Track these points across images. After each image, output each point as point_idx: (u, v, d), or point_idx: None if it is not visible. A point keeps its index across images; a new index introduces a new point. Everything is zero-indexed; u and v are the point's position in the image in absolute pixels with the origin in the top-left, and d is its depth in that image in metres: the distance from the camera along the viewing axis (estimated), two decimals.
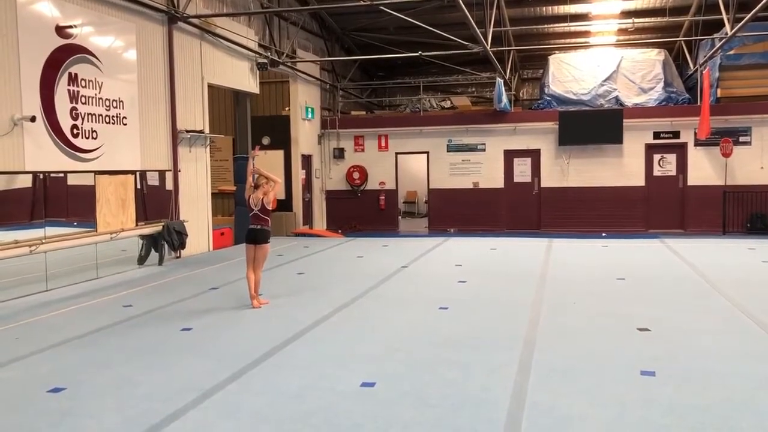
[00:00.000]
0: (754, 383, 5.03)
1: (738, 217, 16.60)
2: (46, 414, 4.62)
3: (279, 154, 17.85)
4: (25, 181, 9.05)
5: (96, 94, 10.30)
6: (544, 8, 18.64)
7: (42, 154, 9.23)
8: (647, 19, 18.22)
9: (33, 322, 7.44)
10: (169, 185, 12.25)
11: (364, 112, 21.70)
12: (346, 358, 5.83)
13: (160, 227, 11.57)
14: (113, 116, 10.71)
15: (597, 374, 5.29)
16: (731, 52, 16.58)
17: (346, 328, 7.03)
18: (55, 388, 5.13)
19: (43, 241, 8.98)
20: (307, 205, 18.72)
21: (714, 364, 5.55)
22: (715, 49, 15.95)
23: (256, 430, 4.29)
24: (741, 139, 16.85)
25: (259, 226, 8.20)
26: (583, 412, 4.48)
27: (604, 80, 18.05)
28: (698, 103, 16.85)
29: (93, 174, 10.19)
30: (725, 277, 9.79)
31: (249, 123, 16.04)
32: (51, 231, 9.24)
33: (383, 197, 19.29)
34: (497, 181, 18.51)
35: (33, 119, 8.95)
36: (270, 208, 8.25)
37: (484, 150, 18.52)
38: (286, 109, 18.28)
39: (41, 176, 9.25)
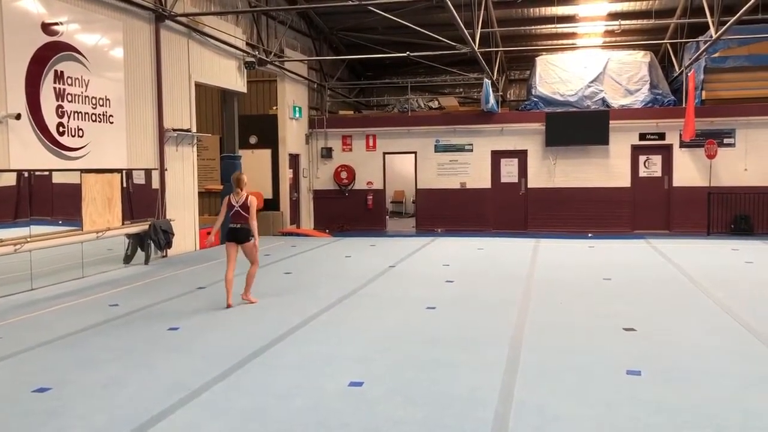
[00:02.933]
0: (739, 382, 5.09)
1: (722, 218, 16.76)
2: (32, 414, 4.58)
3: (266, 154, 17.83)
4: (10, 180, 8.95)
5: (82, 92, 10.23)
6: (531, 10, 18.71)
7: (27, 152, 9.15)
8: (634, 22, 18.35)
9: (18, 322, 7.37)
10: (156, 184, 12.19)
11: (351, 112, 21.69)
12: (334, 358, 5.83)
13: (147, 226, 11.50)
14: (100, 114, 10.63)
15: (583, 373, 5.32)
16: (716, 55, 16.74)
17: (333, 327, 7.03)
18: (40, 388, 5.08)
19: (28, 239, 8.90)
20: (295, 205, 18.68)
21: (699, 363, 5.61)
22: (700, 51, 16.09)
23: (245, 430, 4.28)
24: (725, 140, 17.02)
25: (239, 225, 8.14)
26: (570, 411, 4.51)
27: (591, 82, 18.15)
28: (683, 105, 17.01)
29: (79, 172, 10.11)
30: (710, 277, 9.89)
31: (236, 122, 15.98)
32: (36, 230, 9.16)
33: (371, 197, 19.29)
34: (484, 182, 18.56)
35: (18, 117, 8.87)
36: (249, 206, 8.11)
37: (471, 150, 18.58)
38: (274, 108, 18.23)
39: (26, 174, 9.16)
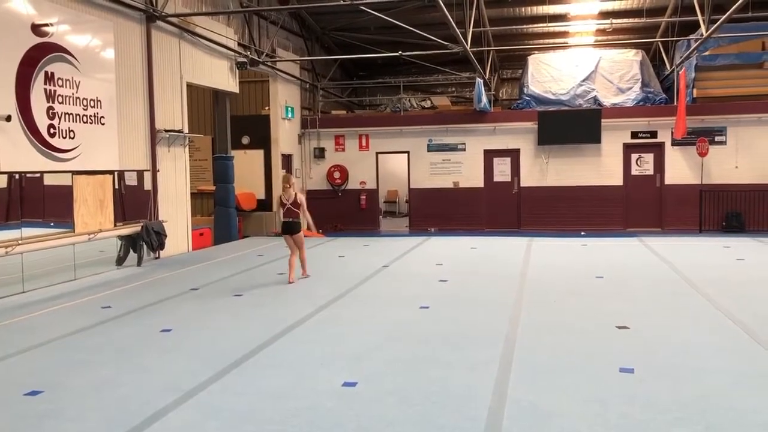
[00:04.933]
0: (730, 379, 5.11)
1: (714, 216, 16.84)
2: (24, 417, 4.56)
3: (259, 154, 17.80)
4: (1, 182, 8.90)
5: (73, 93, 10.18)
6: (523, 9, 18.75)
7: (18, 154, 9.09)
8: (625, 20, 18.41)
9: (9, 324, 7.33)
10: (148, 185, 12.15)
11: (344, 112, 21.68)
12: (328, 358, 5.83)
13: (139, 228, 11.46)
14: (91, 116, 10.59)
15: (577, 371, 5.34)
16: (707, 53, 16.81)
17: (327, 327, 7.02)
18: (32, 391, 5.06)
19: (20, 242, 8.85)
20: None
21: (691, 360, 5.63)
22: (690, 49, 16.16)
23: (238, 431, 4.27)
24: (717, 138, 17.09)
25: (291, 219, 9.84)
26: (563, 409, 4.52)
27: (583, 80, 18.20)
28: (675, 103, 17.08)
29: (70, 174, 10.06)
30: (702, 275, 9.93)
31: (228, 122, 15.95)
32: (27, 232, 9.11)
33: (364, 197, 19.29)
34: (477, 181, 18.58)
35: (8, 119, 8.83)
36: (300, 203, 9.83)
37: (464, 150, 18.59)
38: (266, 108, 18.20)
39: (17, 176, 9.11)
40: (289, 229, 9.84)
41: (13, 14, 9.11)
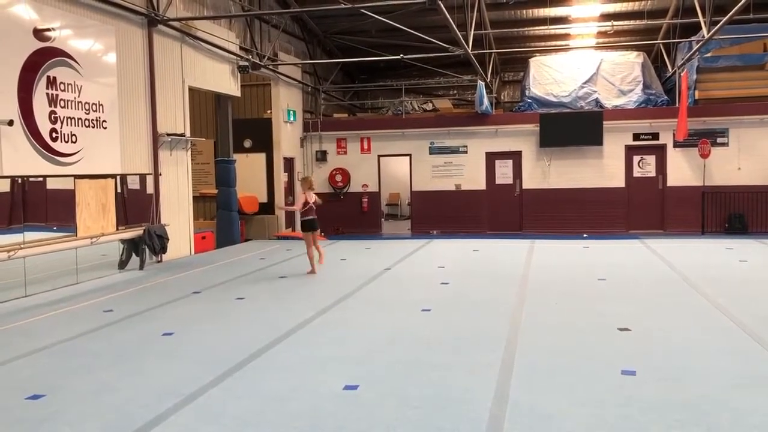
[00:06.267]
0: (732, 380, 5.10)
1: (716, 218, 16.82)
2: (24, 421, 4.56)
3: (261, 157, 17.82)
4: (3, 186, 8.92)
5: (75, 98, 10.21)
6: (524, 11, 18.76)
7: (20, 159, 9.12)
8: (626, 22, 18.41)
9: (11, 329, 7.35)
10: (150, 189, 12.17)
11: (346, 115, 21.70)
12: (329, 361, 5.83)
13: (141, 231, 11.49)
14: (93, 120, 10.62)
15: (578, 373, 5.33)
16: (708, 55, 16.80)
17: (329, 330, 7.03)
18: (33, 395, 5.07)
19: (22, 246, 8.87)
20: None
21: (693, 362, 5.62)
22: (692, 51, 16.15)
23: None
24: (719, 140, 17.08)
25: (313, 217, 11.07)
26: (565, 411, 4.52)
27: (584, 82, 18.20)
28: (676, 105, 17.06)
29: (73, 178, 10.08)
30: (704, 276, 9.92)
31: (230, 126, 15.98)
32: (30, 236, 9.13)
33: (366, 199, 19.30)
34: (479, 183, 18.59)
35: (11, 123, 8.85)
36: (311, 202, 10.93)
37: (466, 152, 18.60)
38: (268, 112, 18.23)
39: (19, 181, 9.14)
40: (312, 226, 11.10)
41: (15, 19, 9.15)
